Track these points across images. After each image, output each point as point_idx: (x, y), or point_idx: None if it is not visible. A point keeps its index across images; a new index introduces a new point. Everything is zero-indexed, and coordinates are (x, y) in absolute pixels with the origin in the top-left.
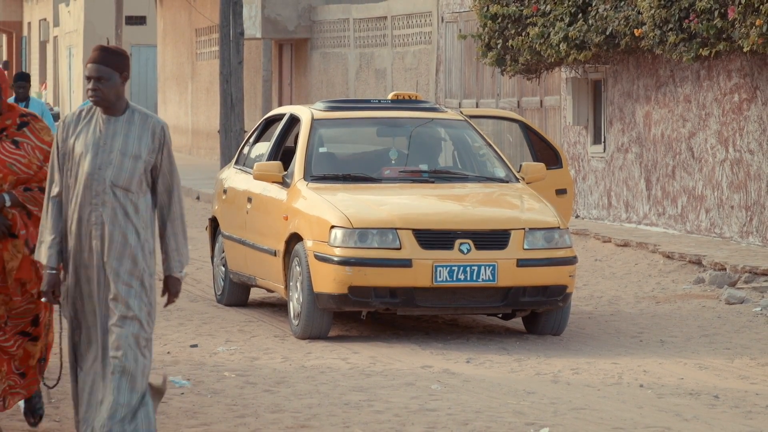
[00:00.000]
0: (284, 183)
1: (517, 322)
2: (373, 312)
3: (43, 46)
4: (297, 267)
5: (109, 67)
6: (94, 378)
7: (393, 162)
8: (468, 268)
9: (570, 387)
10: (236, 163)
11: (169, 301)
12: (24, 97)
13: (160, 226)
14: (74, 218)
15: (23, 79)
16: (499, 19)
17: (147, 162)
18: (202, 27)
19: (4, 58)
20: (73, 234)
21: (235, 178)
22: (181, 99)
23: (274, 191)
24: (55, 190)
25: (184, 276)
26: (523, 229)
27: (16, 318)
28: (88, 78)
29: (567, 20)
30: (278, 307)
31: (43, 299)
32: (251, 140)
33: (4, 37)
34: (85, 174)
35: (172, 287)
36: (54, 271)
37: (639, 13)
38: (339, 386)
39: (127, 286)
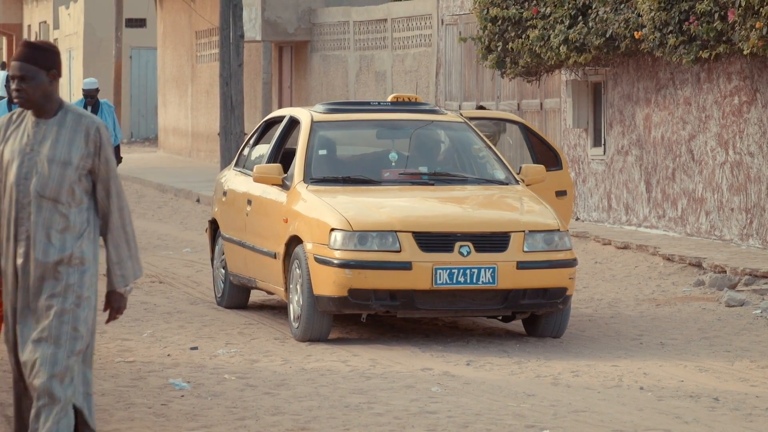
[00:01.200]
0: (284, 185)
1: (517, 325)
2: (373, 314)
3: None
4: (297, 269)
5: (34, 65)
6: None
7: (393, 164)
8: (468, 271)
9: (570, 389)
10: (236, 165)
11: (111, 317)
12: None
13: (102, 237)
14: (3, 235)
15: None
16: (499, 22)
17: (80, 168)
18: (202, 29)
19: (4, 59)
20: (3, 253)
21: (234, 180)
22: (181, 101)
23: (274, 193)
24: None
25: (129, 291)
26: (523, 231)
27: None
28: (12, 78)
29: (567, 23)
30: (278, 309)
31: None
32: (251, 142)
33: (4, 40)
34: (10, 184)
35: (113, 302)
36: None
37: (639, 15)
38: (339, 389)
39: (45, 308)
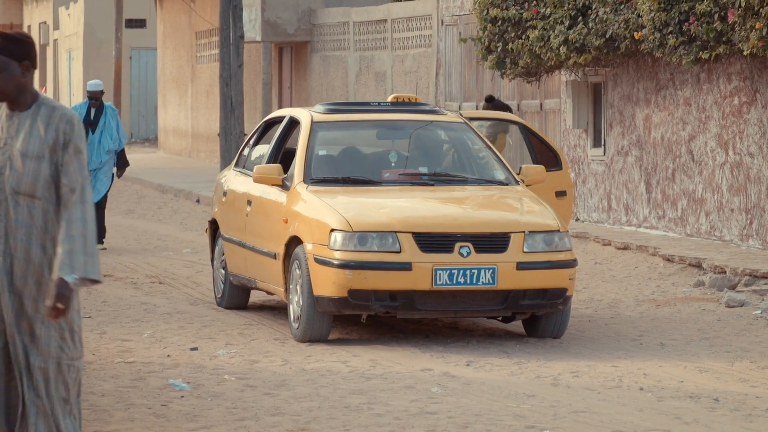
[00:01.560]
0: (284, 186)
1: (517, 325)
2: (373, 315)
3: (43, 49)
4: (297, 270)
5: (5, 56)
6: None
7: (393, 165)
8: (468, 272)
9: (570, 390)
10: (236, 165)
11: (51, 311)
12: None
13: (59, 229)
14: None
15: None
16: (499, 23)
17: (54, 162)
18: (202, 30)
19: None
20: None
21: (234, 180)
22: (181, 102)
23: (274, 194)
24: None
25: (75, 283)
26: (523, 232)
27: None
28: None
29: (567, 23)
30: (278, 310)
31: None
32: (251, 143)
33: None
34: None
35: (54, 289)
36: None
37: (639, 16)
38: (339, 389)
39: (33, 310)
